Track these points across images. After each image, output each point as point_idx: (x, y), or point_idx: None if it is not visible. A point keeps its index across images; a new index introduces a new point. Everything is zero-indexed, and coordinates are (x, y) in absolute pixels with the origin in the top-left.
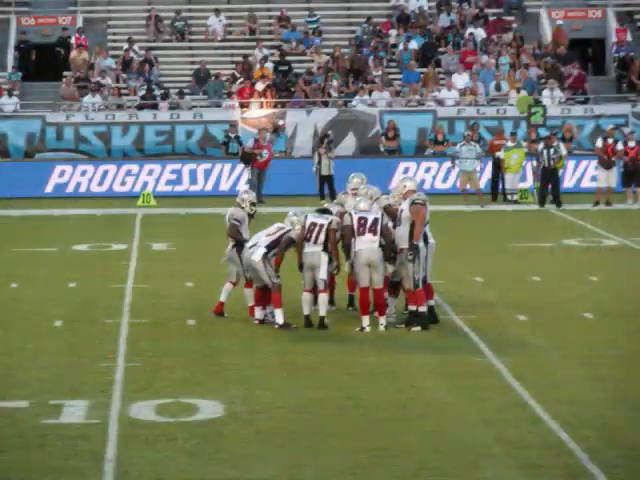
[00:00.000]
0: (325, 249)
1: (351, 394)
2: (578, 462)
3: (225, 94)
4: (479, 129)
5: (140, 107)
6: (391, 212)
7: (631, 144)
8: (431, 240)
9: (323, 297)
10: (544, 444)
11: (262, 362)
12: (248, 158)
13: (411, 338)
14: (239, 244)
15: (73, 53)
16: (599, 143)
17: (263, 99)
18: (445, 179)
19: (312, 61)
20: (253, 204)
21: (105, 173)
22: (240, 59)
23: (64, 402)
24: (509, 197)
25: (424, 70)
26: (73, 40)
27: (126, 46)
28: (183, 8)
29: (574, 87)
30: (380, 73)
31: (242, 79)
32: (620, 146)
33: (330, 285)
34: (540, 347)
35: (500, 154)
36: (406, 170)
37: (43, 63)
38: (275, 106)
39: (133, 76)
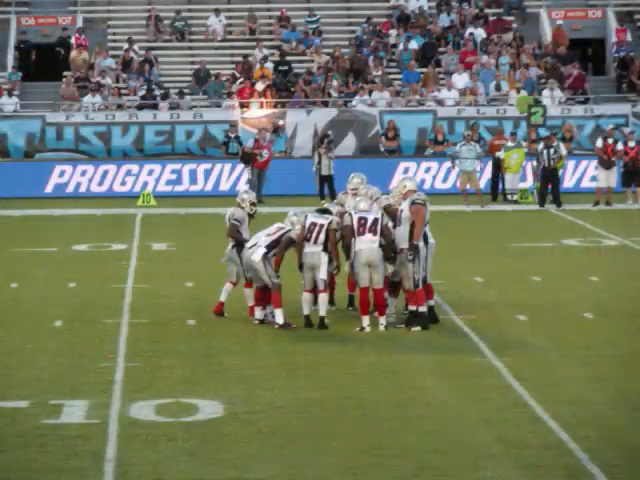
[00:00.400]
0: (325, 249)
1: (351, 394)
2: (578, 462)
3: (225, 94)
4: (479, 129)
5: (140, 107)
6: (391, 212)
7: (631, 144)
8: (431, 240)
9: (323, 297)
10: (544, 444)
11: (262, 362)
12: (248, 158)
13: (411, 338)
14: (239, 244)
15: (73, 53)
16: (599, 143)
17: (263, 99)
18: (445, 179)
19: (312, 61)
20: (253, 204)
21: (105, 173)
22: (240, 59)
23: (64, 402)
24: (509, 197)
25: (424, 70)
26: (73, 40)
27: (126, 46)
28: (183, 8)
29: (574, 87)
30: (380, 73)
31: (242, 79)
32: (620, 146)
33: (330, 285)
34: (540, 347)
35: (500, 154)
36: (406, 170)
37: (43, 63)
38: (275, 106)
39: (133, 76)
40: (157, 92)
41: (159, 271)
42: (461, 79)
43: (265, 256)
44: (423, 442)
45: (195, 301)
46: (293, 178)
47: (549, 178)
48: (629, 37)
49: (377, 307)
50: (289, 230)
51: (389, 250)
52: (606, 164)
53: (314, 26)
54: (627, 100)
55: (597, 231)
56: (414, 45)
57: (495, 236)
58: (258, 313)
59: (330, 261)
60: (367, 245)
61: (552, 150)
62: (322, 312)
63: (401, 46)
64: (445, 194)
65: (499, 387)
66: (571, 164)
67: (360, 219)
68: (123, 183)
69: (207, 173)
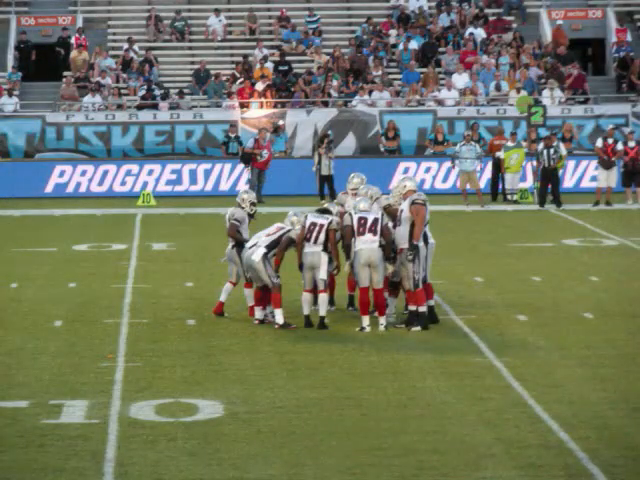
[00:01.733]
0: (325, 249)
1: (351, 394)
2: (578, 462)
3: (225, 94)
4: (479, 129)
5: (140, 107)
6: (391, 212)
7: (631, 144)
8: (431, 240)
9: (323, 297)
10: (544, 444)
11: (262, 362)
12: (248, 158)
13: (411, 338)
14: (239, 244)
15: (73, 53)
16: (599, 143)
17: (263, 99)
18: (445, 179)
19: (312, 61)
20: (253, 204)
21: (105, 173)
22: (240, 59)
23: (64, 402)
24: (509, 197)
25: (424, 70)
26: (73, 40)
27: (126, 46)
28: (183, 8)
29: (574, 87)
30: (380, 73)
31: (242, 79)
32: (620, 146)
33: (330, 285)
34: (540, 347)
35: (500, 154)
36: (406, 170)
37: (43, 63)
38: (275, 106)
39: (133, 76)
40: (157, 92)
41: (159, 271)
42: (461, 79)
43: (265, 256)
44: (423, 442)
45: (195, 301)
46: (293, 178)
47: (549, 178)
48: (629, 37)
49: (377, 307)
50: (289, 230)
51: (389, 250)
52: (606, 164)
53: (314, 26)
54: (627, 100)
55: (597, 231)
56: (414, 45)
57: (495, 236)
58: (258, 313)
59: (330, 261)
60: (367, 245)
61: (552, 150)
62: (322, 312)
63: (401, 46)
64: (445, 194)
65: (499, 387)
66: (571, 164)
67: (360, 219)
68: (123, 183)
69: (207, 173)
